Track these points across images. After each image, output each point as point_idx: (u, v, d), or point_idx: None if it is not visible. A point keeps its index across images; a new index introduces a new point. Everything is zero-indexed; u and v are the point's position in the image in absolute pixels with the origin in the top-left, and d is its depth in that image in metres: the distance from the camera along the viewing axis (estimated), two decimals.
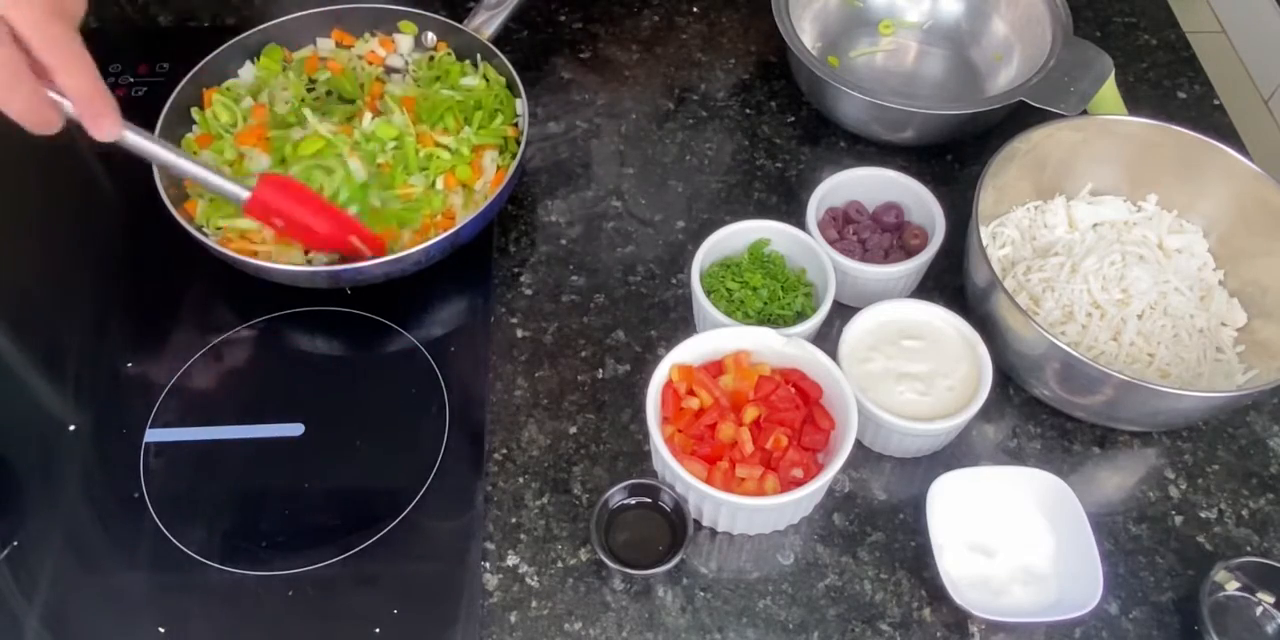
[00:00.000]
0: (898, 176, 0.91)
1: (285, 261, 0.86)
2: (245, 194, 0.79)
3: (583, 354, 0.89)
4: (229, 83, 0.96)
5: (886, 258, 0.89)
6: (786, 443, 0.75)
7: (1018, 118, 0.93)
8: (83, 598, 0.76)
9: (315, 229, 0.81)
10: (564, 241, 0.96)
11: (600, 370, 0.88)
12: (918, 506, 0.77)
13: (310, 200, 0.81)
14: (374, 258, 0.83)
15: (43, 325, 0.90)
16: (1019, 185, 0.90)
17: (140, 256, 0.94)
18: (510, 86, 0.96)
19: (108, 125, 0.69)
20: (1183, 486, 0.83)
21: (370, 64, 0.99)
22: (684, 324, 0.91)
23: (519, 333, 0.90)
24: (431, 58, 0.99)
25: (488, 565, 0.78)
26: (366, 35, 1.01)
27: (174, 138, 0.92)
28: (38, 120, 0.67)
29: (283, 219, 0.81)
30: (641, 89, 1.08)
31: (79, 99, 0.67)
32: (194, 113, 0.93)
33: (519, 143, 0.92)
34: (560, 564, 0.78)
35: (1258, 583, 0.75)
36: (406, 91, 0.95)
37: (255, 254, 0.87)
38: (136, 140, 0.74)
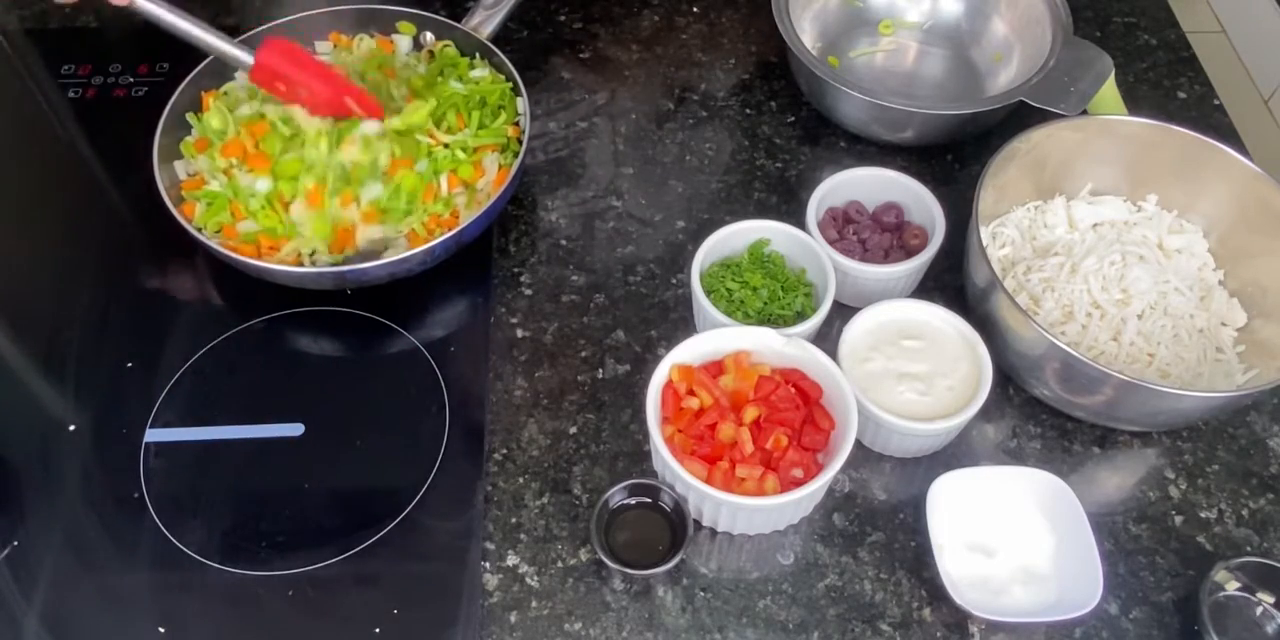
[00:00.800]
0: (898, 176, 0.91)
1: (289, 262, 0.86)
2: (249, 59, 0.84)
3: (583, 354, 0.89)
4: (227, 86, 0.96)
5: (886, 258, 0.89)
6: (786, 443, 0.75)
7: (1018, 118, 0.93)
8: (83, 598, 0.76)
9: (316, 92, 0.85)
10: (564, 241, 0.96)
11: (600, 370, 0.88)
12: (918, 506, 0.77)
13: (310, 64, 0.86)
14: (371, 117, 0.88)
15: (43, 325, 0.90)
16: (1019, 185, 0.90)
17: (140, 256, 0.94)
18: (511, 86, 0.96)
19: None
20: (1183, 486, 0.83)
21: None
22: (684, 324, 0.91)
23: (519, 333, 0.90)
24: (431, 54, 0.99)
25: (488, 565, 0.78)
26: (362, 36, 1.00)
27: (174, 141, 0.92)
28: None
29: (285, 83, 0.85)
30: (641, 89, 1.08)
31: None
32: (190, 118, 0.93)
33: (520, 142, 0.92)
34: (560, 564, 0.78)
35: (1258, 583, 0.75)
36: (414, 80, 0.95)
37: (259, 255, 0.87)
38: (146, 6, 0.79)
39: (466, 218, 0.86)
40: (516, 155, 0.90)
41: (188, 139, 0.93)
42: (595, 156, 1.03)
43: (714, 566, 0.78)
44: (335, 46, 1.00)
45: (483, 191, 0.91)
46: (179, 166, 0.92)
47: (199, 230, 0.86)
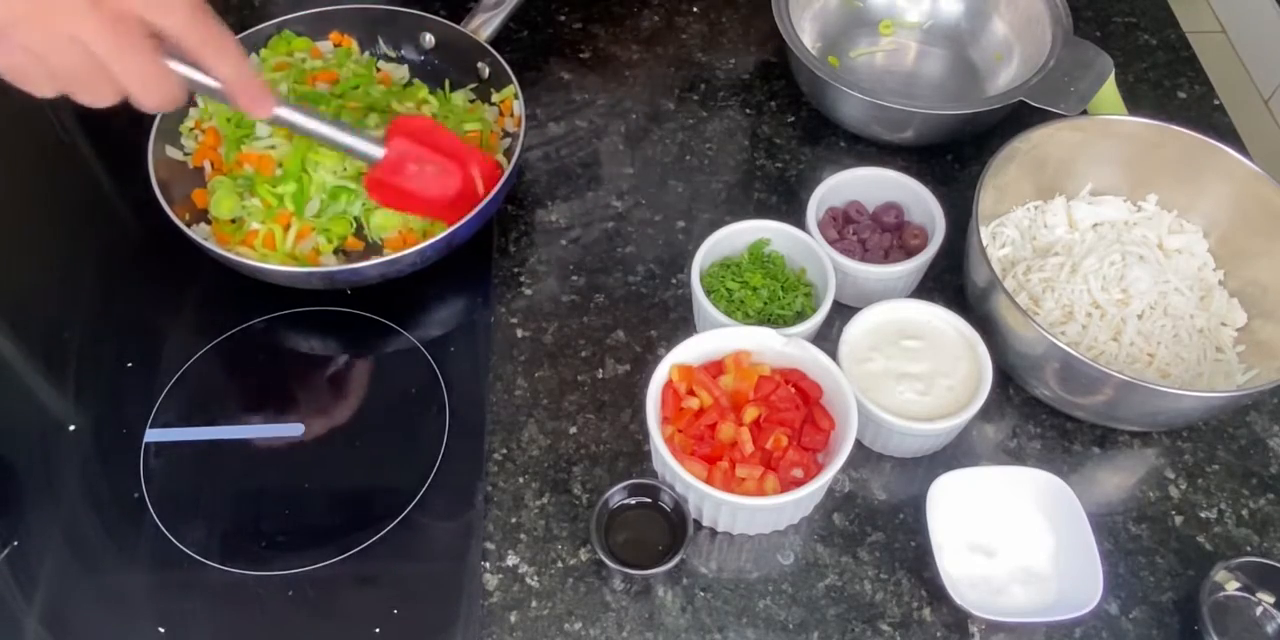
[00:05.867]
0: (898, 176, 0.91)
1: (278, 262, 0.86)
2: (378, 153, 0.79)
3: (583, 354, 0.89)
4: None
5: (886, 258, 0.89)
6: (786, 443, 0.75)
7: (1018, 118, 0.93)
8: (83, 598, 0.76)
9: (446, 171, 0.81)
10: (564, 242, 0.96)
11: (600, 370, 0.88)
12: (918, 506, 0.77)
13: (440, 138, 0.82)
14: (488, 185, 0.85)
15: (43, 325, 0.90)
16: (1019, 185, 0.90)
17: (140, 256, 0.94)
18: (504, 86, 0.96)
19: (265, 105, 0.70)
20: (1183, 486, 0.83)
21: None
22: (684, 324, 0.91)
23: (519, 333, 0.90)
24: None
25: (488, 565, 0.78)
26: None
27: (173, 134, 0.92)
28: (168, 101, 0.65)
29: (415, 165, 0.80)
30: (641, 89, 1.08)
31: (236, 85, 0.67)
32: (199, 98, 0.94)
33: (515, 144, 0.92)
34: (560, 564, 0.78)
35: (1258, 583, 0.75)
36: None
37: (253, 249, 0.87)
38: (288, 115, 0.75)
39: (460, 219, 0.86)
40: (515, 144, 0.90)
41: (186, 122, 0.94)
42: (595, 157, 1.03)
43: (714, 566, 0.78)
44: (337, 47, 1.01)
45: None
46: (175, 154, 0.92)
47: (189, 226, 0.86)
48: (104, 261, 0.94)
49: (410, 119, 0.83)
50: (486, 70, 0.98)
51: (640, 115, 1.06)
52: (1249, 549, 0.79)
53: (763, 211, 0.98)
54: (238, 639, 0.75)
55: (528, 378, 0.87)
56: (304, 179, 0.88)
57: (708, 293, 0.84)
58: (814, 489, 0.73)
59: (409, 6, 1.01)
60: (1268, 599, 0.75)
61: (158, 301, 0.91)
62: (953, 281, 0.93)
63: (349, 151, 0.79)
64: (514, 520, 0.80)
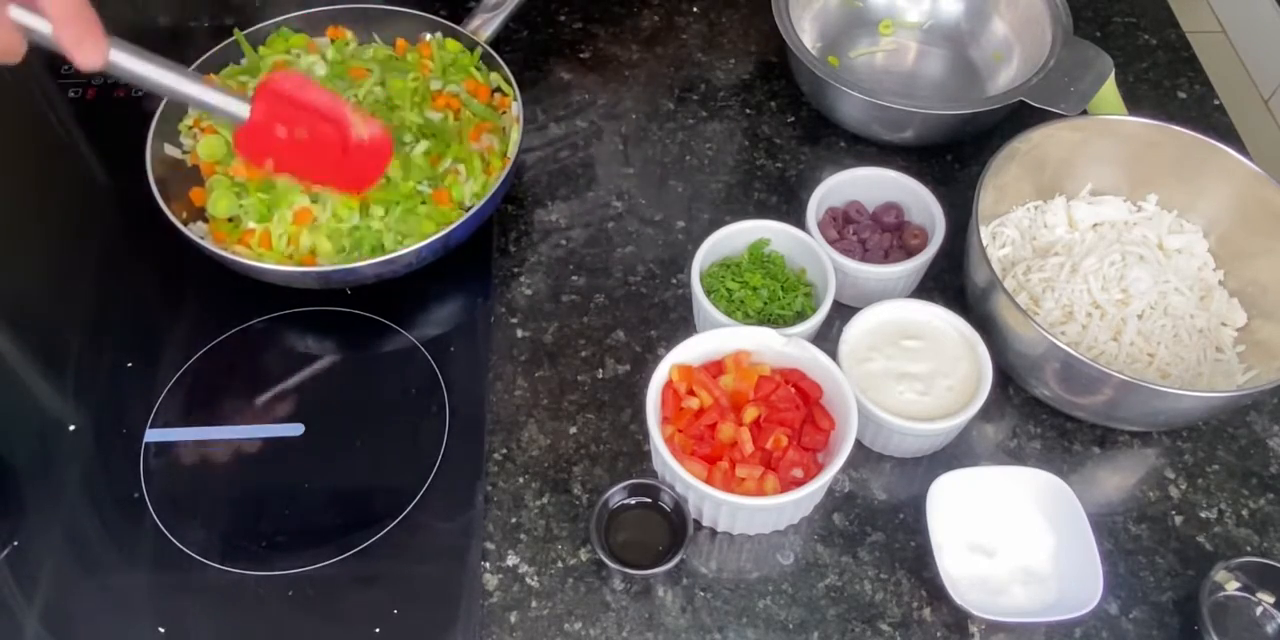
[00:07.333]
0: (898, 176, 0.91)
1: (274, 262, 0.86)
2: (243, 112, 0.70)
3: (583, 354, 0.89)
4: (227, 70, 0.96)
5: (886, 258, 0.89)
6: (786, 443, 0.75)
7: (1018, 118, 0.93)
8: (83, 598, 0.76)
9: (320, 134, 0.71)
10: (564, 242, 0.96)
11: (600, 370, 0.88)
12: (918, 506, 0.77)
13: (312, 98, 0.71)
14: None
15: (43, 325, 0.90)
16: (1019, 185, 0.90)
17: (140, 256, 0.94)
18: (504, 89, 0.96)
19: (90, 50, 0.58)
20: (1183, 486, 0.83)
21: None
22: (684, 324, 0.91)
23: (519, 333, 0.90)
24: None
25: (488, 565, 0.78)
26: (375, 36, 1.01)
27: (171, 133, 0.92)
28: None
29: (286, 126, 0.71)
30: (641, 89, 1.08)
31: (63, 22, 0.56)
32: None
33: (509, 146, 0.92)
34: (560, 564, 0.78)
35: (1258, 583, 0.75)
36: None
37: (249, 248, 0.87)
38: (125, 62, 0.63)
39: (455, 221, 0.86)
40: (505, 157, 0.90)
41: (186, 120, 0.93)
42: (595, 157, 1.03)
43: (714, 566, 0.78)
44: (334, 41, 1.00)
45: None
46: (174, 152, 0.92)
47: (186, 225, 0.86)
48: (103, 261, 0.94)
49: (282, 75, 0.72)
50: (486, 70, 0.98)
51: (640, 115, 1.06)
52: (1249, 549, 0.79)
53: (763, 211, 0.98)
54: (238, 639, 0.75)
55: (528, 377, 0.87)
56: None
57: (708, 293, 0.84)
58: (814, 489, 0.73)
59: (409, 6, 1.01)
60: (1268, 599, 0.75)
61: (157, 301, 0.91)
62: (953, 281, 0.93)
63: (209, 110, 0.70)
64: (514, 520, 0.80)
